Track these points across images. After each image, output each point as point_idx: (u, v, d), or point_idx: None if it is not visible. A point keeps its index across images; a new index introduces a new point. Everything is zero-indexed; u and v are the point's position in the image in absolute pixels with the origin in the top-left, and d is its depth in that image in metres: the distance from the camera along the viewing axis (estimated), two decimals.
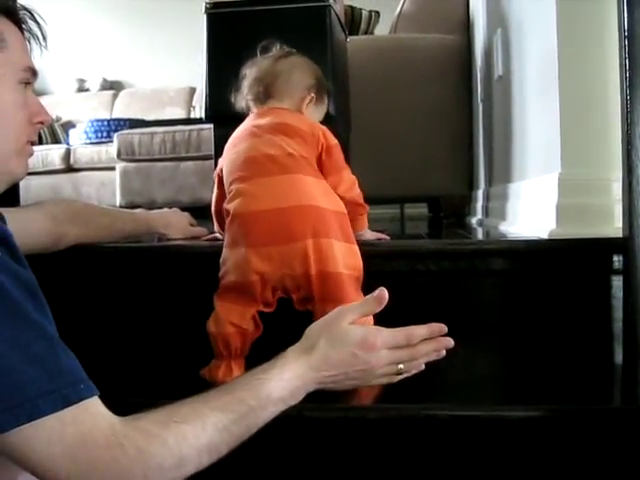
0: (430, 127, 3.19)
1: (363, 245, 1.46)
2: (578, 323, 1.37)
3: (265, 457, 1.22)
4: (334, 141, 1.38)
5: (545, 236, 1.47)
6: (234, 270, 1.25)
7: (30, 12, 1.02)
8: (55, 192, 5.40)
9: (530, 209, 1.73)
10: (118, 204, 4.89)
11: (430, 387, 1.33)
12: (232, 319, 1.26)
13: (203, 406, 0.90)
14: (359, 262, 1.29)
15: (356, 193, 1.40)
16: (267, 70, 1.41)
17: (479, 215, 2.84)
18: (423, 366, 1.10)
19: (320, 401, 1.16)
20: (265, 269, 1.23)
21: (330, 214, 1.26)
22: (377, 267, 1.43)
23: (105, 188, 5.23)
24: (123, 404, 0.88)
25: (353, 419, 1.19)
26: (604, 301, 1.37)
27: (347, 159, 2.69)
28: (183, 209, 1.63)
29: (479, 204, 2.89)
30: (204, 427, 0.87)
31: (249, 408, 0.92)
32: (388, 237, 1.52)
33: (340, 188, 1.36)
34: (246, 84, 1.43)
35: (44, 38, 1.04)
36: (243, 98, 1.44)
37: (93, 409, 0.82)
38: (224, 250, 1.30)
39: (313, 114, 1.44)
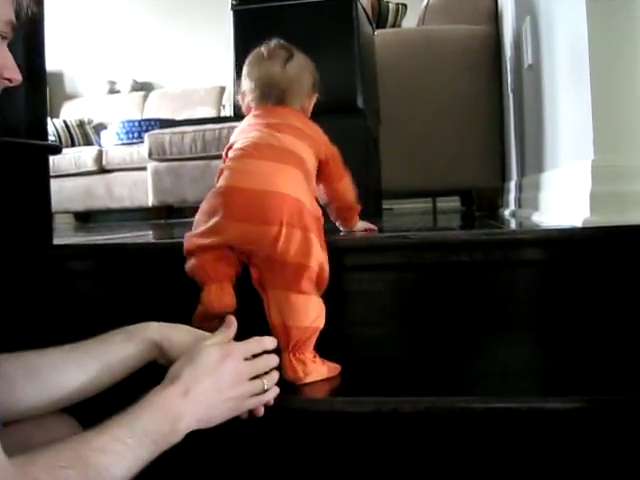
0: (461, 119, 3.17)
1: (394, 237, 1.46)
2: (614, 312, 1.35)
3: (299, 451, 1.22)
4: (334, 150, 1.47)
5: (579, 225, 1.45)
6: (209, 234, 1.30)
7: None
8: (88, 193, 5.47)
9: (563, 198, 1.71)
10: (150, 203, 4.93)
11: (465, 379, 1.32)
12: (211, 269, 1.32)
13: (84, 448, 0.86)
14: (325, 260, 1.31)
15: (354, 195, 1.52)
16: (280, 76, 1.46)
17: (512, 206, 2.82)
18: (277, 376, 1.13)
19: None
20: (236, 242, 1.29)
21: (307, 211, 1.30)
22: (409, 259, 1.43)
23: (137, 188, 5.28)
24: None
25: (386, 413, 1.18)
26: None
27: (377, 152, 2.70)
28: None
29: (512, 195, 2.87)
30: (87, 471, 0.84)
31: (127, 447, 0.89)
32: (376, 228, 1.61)
33: (347, 191, 1.50)
34: (253, 86, 1.48)
35: None
36: (247, 95, 1.49)
37: None
38: (199, 216, 1.35)
39: (311, 105, 1.53)
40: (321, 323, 1.29)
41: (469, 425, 1.17)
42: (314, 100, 1.52)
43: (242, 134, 1.43)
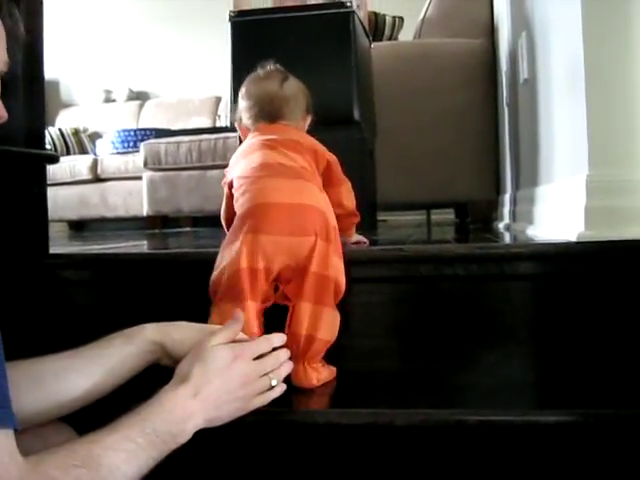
0: (456, 132, 3.18)
1: (390, 250, 1.47)
2: (609, 326, 1.35)
3: (294, 463, 1.21)
4: (334, 157, 1.50)
5: (574, 239, 1.46)
6: (246, 257, 1.27)
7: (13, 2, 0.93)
8: (83, 202, 5.45)
9: (558, 212, 1.71)
10: (145, 213, 4.91)
11: (460, 392, 1.32)
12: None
13: (96, 447, 0.87)
14: (342, 277, 1.33)
15: (354, 203, 1.55)
16: (276, 94, 1.51)
17: (506, 220, 2.82)
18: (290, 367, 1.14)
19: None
20: (273, 256, 1.27)
21: (330, 224, 1.34)
22: (404, 272, 1.43)
23: (132, 197, 5.26)
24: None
25: (381, 425, 1.18)
26: (635, 304, 1.35)
27: (373, 165, 2.71)
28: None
29: (506, 209, 2.87)
30: (99, 469, 0.86)
31: (137, 446, 0.90)
32: (367, 241, 1.64)
33: (345, 198, 1.52)
34: (251, 104, 1.52)
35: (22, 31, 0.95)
36: (244, 114, 1.54)
37: (5, 446, 0.79)
38: (224, 248, 1.33)
39: (306, 127, 1.58)
40: (335, 337, 1.31)
41: (464, 438, 1.17)
42: (308, 122, 1.57)
43: (243, 157, 1.44)
